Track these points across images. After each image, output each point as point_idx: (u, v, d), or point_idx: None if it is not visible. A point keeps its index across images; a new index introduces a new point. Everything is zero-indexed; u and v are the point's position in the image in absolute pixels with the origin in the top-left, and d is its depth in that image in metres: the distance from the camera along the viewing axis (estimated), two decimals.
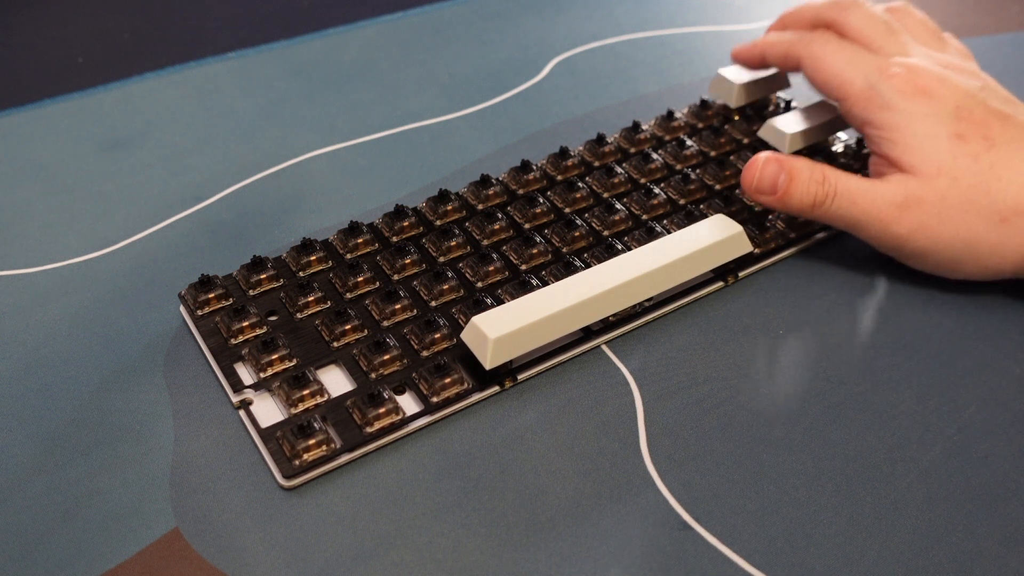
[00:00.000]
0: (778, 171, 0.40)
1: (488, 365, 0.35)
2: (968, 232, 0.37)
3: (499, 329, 0.35)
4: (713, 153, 0.47)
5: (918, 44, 0.42)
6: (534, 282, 0.39)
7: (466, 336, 0.36)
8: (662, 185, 0.45)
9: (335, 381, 0.36)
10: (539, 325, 0.36)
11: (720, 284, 0.41)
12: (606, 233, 0.42)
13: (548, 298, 0.36)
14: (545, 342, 0.36)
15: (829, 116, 0.47)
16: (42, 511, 0.33)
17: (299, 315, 0.39)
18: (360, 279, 0.40)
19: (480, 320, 0.35)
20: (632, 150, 0.48)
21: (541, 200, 0.43)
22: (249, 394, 0.36)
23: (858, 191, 0.39)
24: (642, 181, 0.45)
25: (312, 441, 0.33)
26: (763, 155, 0.40)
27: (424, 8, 0.64)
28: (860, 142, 0.47)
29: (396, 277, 0.40)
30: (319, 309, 0.39)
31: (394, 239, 0.42)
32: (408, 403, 0.36)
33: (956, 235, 0.37)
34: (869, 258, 0.42)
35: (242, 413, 0.36)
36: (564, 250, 0.42)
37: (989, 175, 0.37)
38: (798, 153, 0.47)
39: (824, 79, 0.41)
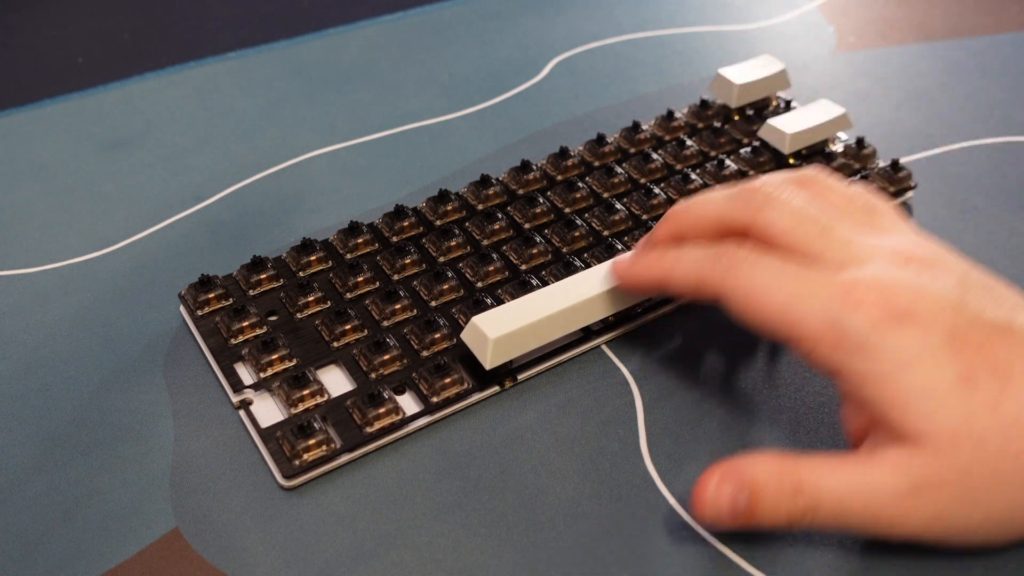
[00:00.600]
0: (737, 491, 0.29)
1: (488, 365, 0.35)
2: (1002, 509, 0.28)
3: (499, 329, 0.35)
4: (713, 153, 0.47)
5: (860, 233, 0.32)
6: (534, 282, 0.39)
7: (466, 336, 0.36)
8: (662, 185, 0.45)
9: (335, 381, 0.36)
10: (539, 325, 0.36)
11: None
12: (606, 233, 0.42)
13: (548, 298, 0.36)
14: (545, 342, 0.36)
15: (830, 116, 0.47)
16: (42, 511, 0.33)
17: (299, 315, 0.39)
18: (360, 279, 0.40)
19: (480, 320, 0.35)
20: (632, 150, 0.48)
21: (541, 200, 0.43)
22: (249, 394, 0.36)
23: (847, 493, 0.29)
24: (642, 181, 0.45)
25: (312, 441, 0.33)
26: (713, 474, 0.30)
27: (424, 8, 0.64)
28: (861, 142, 0.47)
29: (396, 277, 0.40)
30: (319, 309, 0.39)
31: (394, 239, 0.42)
32: (408, 403, 0.36)
33: (987, 516, 0.28)
34: None
35: (242, 413, 0.36)
36: (564, 250, 0.42)
37: (1015, 430, 0.28)
38: (798, 154, 0.47)
39: (763, 319, 0.31)
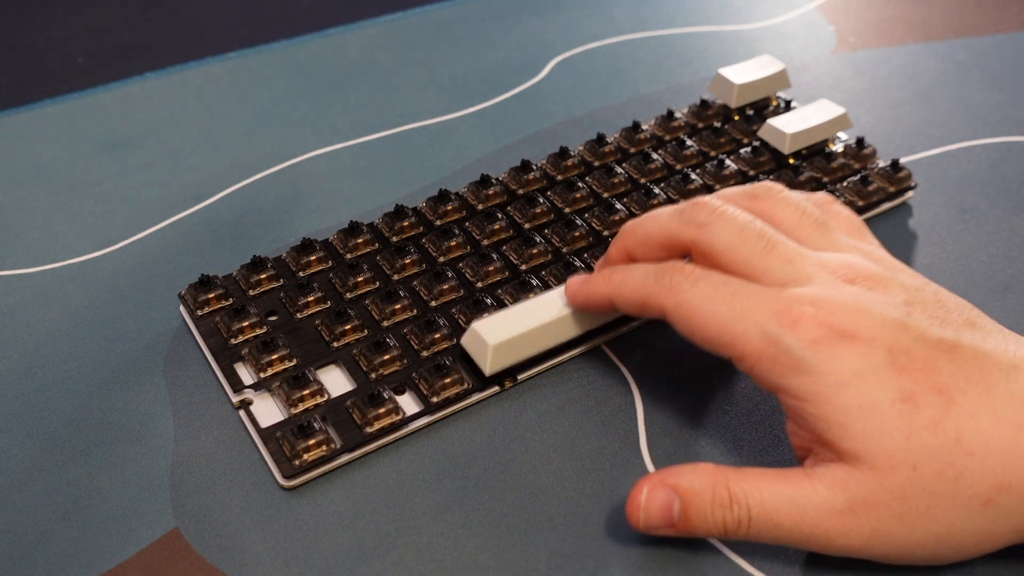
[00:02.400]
0: (668, 499, 0.29)
1: (488, 371, 0.35)
2: (941, 527, 0.28)
3: (499, 335, 0.35)
4: (713, 153, 0.47)
5: (807, 249, 0.32)
6: (534, 282, 0.39)
7: (466, 342, 0.36)
8: (662, 185, 0.45)
9: (335, 381, 0.36)
10: (539, 331, 0.36)
11: None
12: (606, 233, 0.42)
13: (548, 303, 0.36)
14: (545, 348, 0.36)
15: (830, 116, 0.47)
16: (42, 511, 0.33)
17: (299, 315, 0.39)
18: (360, 279, 0.40)
19: (480, 326, 0.35)
20: (632, 150, 0.48)
21: (541, 200, 0.43)
22: (249, 394, 0.36)
23: (779, 506, 0.28)
24: (642, 181, 0.45)
25: (312, 441, 0.33)
26: (645, 483, 0.30)
27: (424, 8, 0.64)
28: (861, 142, 0.47)
29: (396, 277, 0.40)
30: (319, 309, 0.39)
31: (394, 239, 0.42)
32: (408, 403, 0.36)
33: (926, 533, 0.28)
34: None
35: (242, 413, 0.36)
36: (564, 250, 0.42)
37: (957, 451, 0.28)
38: (798, 154, 0.47)
39: (705, 336, 0.31)
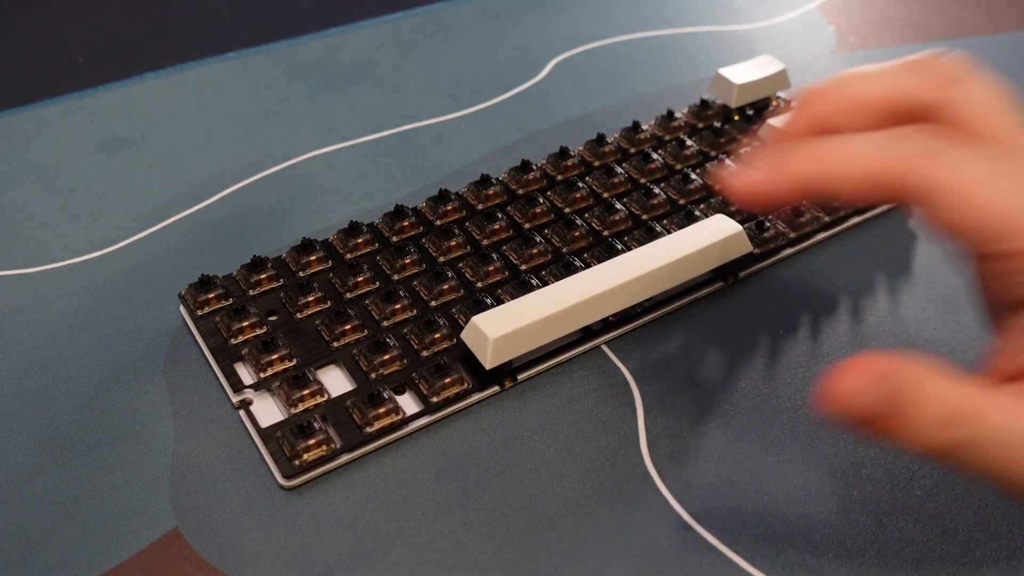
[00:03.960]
0: (891, 392, 0.24)
1: (488, 365, 0.35)
2: None
3: (499, 329, 0.35)
4: (713, 153, 0.47)
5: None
6: (534, 282, 0.39)
7: (466, 336, 0.36)
8: (662, 185, 0.45)
9: (335, 381, 0.36)
10: (539, 325, 0.36)
11: (720, 284, 0.41)
12: (606, 233, 0.42)
13: (548, 298, 0.36)
14: (545, 342, 0.36)
15: None
16: (42, 511, 0.33)
17: (299, 315, 0.39)
18: (360, 279, 0.40)
19: (480, 320, 0.35)
20: (632, 150, 0.48)
21: (541, 200, 0.43)
22: (249, 394, 0.36)
23: (1014, 439, 0.24)
24: (642, 181, 0.45)
25: (312, 441, 0.33)
26: (864, 362, 0.24)
27: (424, 8, 0.64)
28: None
29: (396, 277, 0.40)
30: (319, 309, 0.39)
31: (394, 239, 0.42)
32: (408, 403, 0.36)
33: None
34: (869, 257, 0.42)
35: (242, 413, 0.36)
36: (564, 250, 0.42)
37: None
38: None
39: (980, 223, 0.24)
